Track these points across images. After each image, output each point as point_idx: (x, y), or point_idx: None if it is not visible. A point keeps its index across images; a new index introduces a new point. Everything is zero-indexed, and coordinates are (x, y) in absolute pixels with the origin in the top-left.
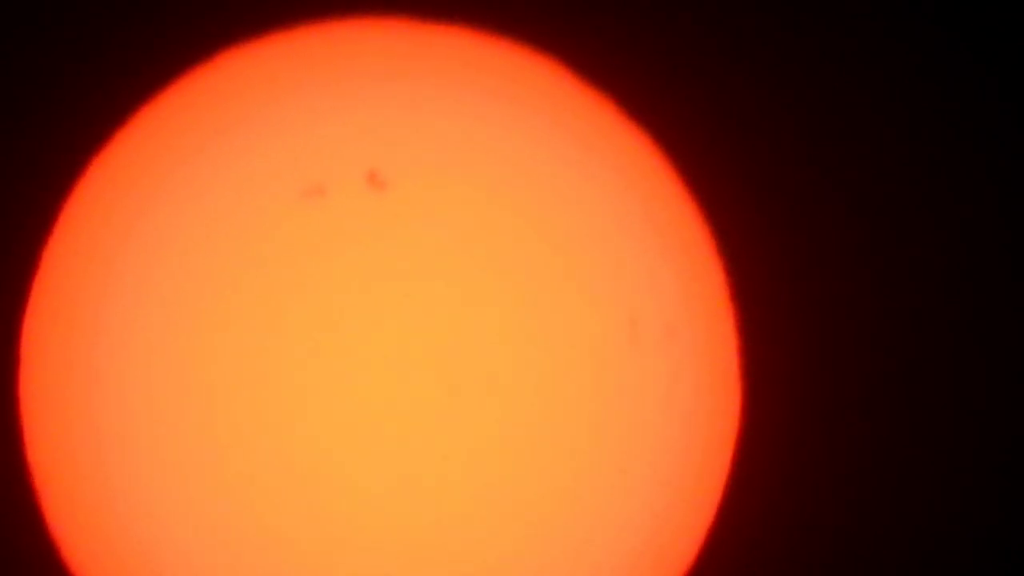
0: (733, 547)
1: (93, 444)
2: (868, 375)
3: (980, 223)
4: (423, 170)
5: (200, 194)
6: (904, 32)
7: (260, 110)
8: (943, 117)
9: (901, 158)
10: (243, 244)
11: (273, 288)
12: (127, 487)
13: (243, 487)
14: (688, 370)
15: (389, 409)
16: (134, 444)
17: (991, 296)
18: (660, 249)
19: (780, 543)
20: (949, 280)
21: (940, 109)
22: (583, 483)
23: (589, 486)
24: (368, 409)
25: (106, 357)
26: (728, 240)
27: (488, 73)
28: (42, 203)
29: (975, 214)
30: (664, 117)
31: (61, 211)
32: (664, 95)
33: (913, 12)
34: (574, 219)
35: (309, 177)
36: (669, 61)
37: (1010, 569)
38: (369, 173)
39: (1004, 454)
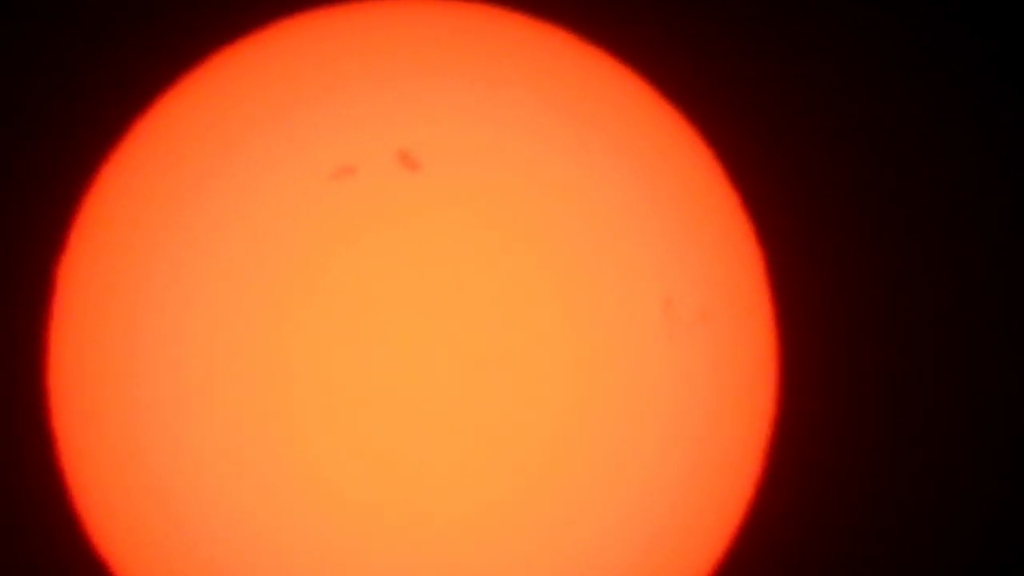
0: (768, 539)
1: (128, 433)
2: (909, 359)
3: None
4: (455, 151)
5: (232, 174)
6: (953, 17)
7: (291, 90)
8: (991, 97)
9: (946, 139)
10: (273, 224)
11: (303, 269)
12: (162, 481)
13: (281, 476)
14: (722, 353)
15: (422, 391)
16: (168, 435)
17: None
18: (696, 231)
19: (815, 536)
20: (996, 261)
21: (989, 88)
22: (610, 468)
23: (618, 471)
24: (402, 391)
25: (139, 348)
26: (766, 222)
27: (521, 53)
28: (66, 196)
29: (1020, 195)
30: (702, 98)
31: (85, 201)
32: (702, 76)
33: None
34: (608, 199)
35: (340, 158)
36: (706, 40)
37: None
38: (401, 153)
39: None
